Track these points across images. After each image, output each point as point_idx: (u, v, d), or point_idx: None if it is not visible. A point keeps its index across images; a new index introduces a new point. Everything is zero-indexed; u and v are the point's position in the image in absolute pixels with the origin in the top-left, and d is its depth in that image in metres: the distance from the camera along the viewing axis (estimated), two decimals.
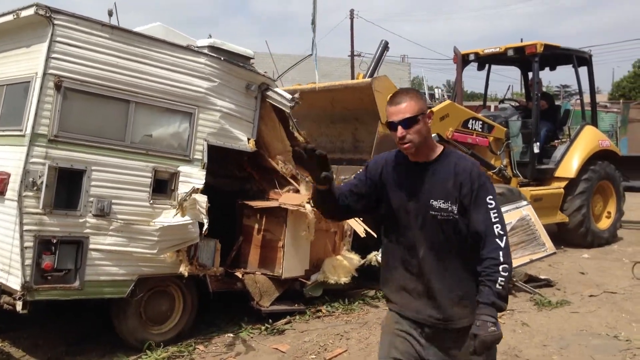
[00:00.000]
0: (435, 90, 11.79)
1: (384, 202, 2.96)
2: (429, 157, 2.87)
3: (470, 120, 9.00)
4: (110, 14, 6.18)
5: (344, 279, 6.59)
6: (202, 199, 5.41)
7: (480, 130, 9.09)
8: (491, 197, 2.77)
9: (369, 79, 7.44)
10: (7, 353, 5.48)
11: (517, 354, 5.36)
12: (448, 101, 9.57)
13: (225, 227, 6.36)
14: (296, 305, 6.46)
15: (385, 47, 8.93)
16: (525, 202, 7.95)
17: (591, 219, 10.07)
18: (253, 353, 5.44)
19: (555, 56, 10.39)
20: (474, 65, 11.12)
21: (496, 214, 2.74)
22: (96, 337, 5.79)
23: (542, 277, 7.82)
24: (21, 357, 5.41)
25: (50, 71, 4.89)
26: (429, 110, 2.86)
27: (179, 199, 5.41)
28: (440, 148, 2.90)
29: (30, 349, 5.56)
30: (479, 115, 9.35)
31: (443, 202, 2.78)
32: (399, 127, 2.77)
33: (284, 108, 6.41)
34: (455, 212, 2.77)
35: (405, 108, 2.77)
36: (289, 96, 6.36)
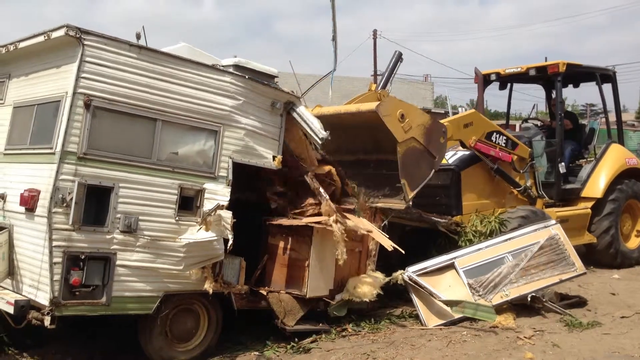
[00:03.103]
0: (459, 109, 11.78)
1: None
2: None
3: (495, 134, 8.92)
4: (138, 37, 6.28)
5: (368, 298, 6.52)
6: (227, 215, 5.44)
7: (504, 145, 9.00)
8: None
9: (373, 105, 7.24)
10: None
11: None
12: (472, 110, 9.49)
13: (251, 245, 6.37)
14: (321, 324, 6.39)
15: (399, 57, 8.85)
16: (553, 222, 7.83)
17: (620, 239, 9.88)
18: None
19: (578, 74, 10.32)
20: (497, 84, 11.07)
21: None
22: (123, 355, 5.79)
23: (573, 294, 7.67)
24: None
25: (80, 90, 4.98)
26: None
27: (203, 213, 5.42)
28: None
29: None
30: (504, 131, 9.28)
31: None
32: None
33: (312, 140, 6.42)
34: None
35: None
36: (320, 130, 6.29)
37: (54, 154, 4.92)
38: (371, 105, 7.28)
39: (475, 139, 8.60)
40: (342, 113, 7.71)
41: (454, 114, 13.58)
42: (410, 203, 7.28)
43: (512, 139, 9.26)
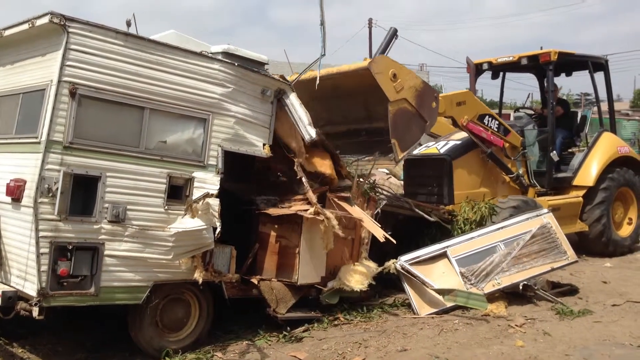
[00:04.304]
0: None
1: None
2: None
3: (487, 117, 8.92)
4: (128, 24, 6.19)
5: (360, 287, 6.50)
6: (215, 203, 5.40)
7: (496, 130, 8.98)
8: None
9: (366, 62, 7.23)
10: (26, 359, 5.46)
11: None
12: (466, 90, 9.45)
13: (242, 235, 6.34)
14: (313, 312, 6.38)
15: (394, 34, 8.68)
16: (545, 210, 7.82)
17: (612, 228, 9.89)
18: None
19: (570, 63, 10.30)
20: (489, 73, 11.03)
21: None
22: (114, 345, 5.75)
23: (565, 283, 7.68)
24: None
25: (65, 79, 4.89)
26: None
27: (189, 200, 5.40)
28: None
29: (49, 356, 5.54)
30: (496, 115, 9.25)
31: None
32: None
33: (301, 135, 6.37)
34: None
35: None
36: (309, 128, 6.27)
37: (39, 143, 4.84)
38: (364, 63, 7.24)
39: (468, 118, 8.58)
40: (334, 74, 7.63)
41: None
42: (401, 163, 7.29)
43: (505, 124, 9.25)
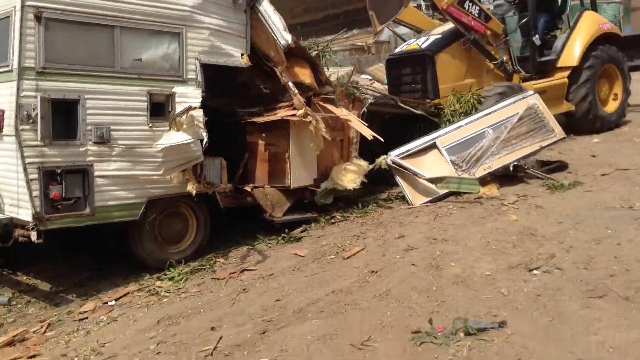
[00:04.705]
0: (422, 1, 11.40)
1: None
2: None
3: (468, 2, 8.68)
4: None
5: (353, 185, 6.59)
6: (199, 114, 5.40)
7: (476, 15, 8.81)
8: None
9: None
10: (32, 285, 5.59)
11: (533, 232, 5.35)
12: None
13: (231, 147, 6.35)
14: (309, 214, 6.49)
15: None
16: (531, 92, 7.81)
17: (598, 105, 9.87)
18: (272, 260, 5.51)
19: None
20: None
21: None
22: (118, 265, 5.86)
23: (554, 160, 7.78)
24: (47, 287, 5.54)
25: (29, 3, 4.77)
26: None
27: (172, 115, 5.39)
28: None
29: (55, 279, 5.69)
30: (477, 1, 9.06)
31: None
32: None
33: (277, 41, 6.22)
34: None
35: None
36: (284, 33, 6.09)
37: (11, 71, 4.78)
38: None
39: (448, 2, 8.38)
40: None
41: (417, 6, 13.18)
42: (379, 36, 7.26)
43: (485, 11, 9.06)
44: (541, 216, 5.83)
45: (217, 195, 5.87)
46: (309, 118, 6.14)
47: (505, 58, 9.35)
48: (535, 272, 4.53)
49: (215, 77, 6.11)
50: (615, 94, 10.34)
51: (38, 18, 4.80)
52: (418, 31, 10.13)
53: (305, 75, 6.73)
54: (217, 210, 5.98)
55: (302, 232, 6.16)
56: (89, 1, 5.06)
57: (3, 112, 4.83)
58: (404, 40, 11.16)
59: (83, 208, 4.98)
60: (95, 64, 5.13)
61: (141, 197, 5.32)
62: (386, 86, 9.95)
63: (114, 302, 4.93)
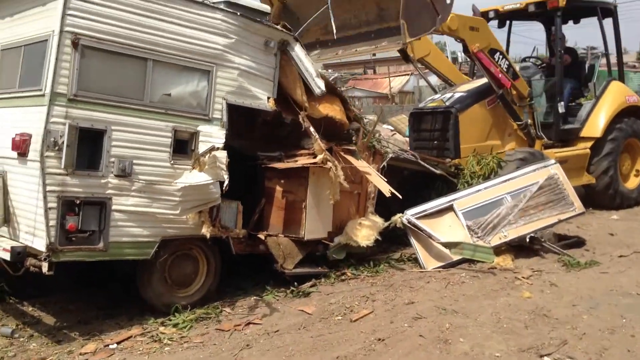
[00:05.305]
0: (459, 54, 11.47)
1: None
2: None
3: (498, 53, 8.73)
4: None
5: (366, 242, 6.50)
6: (222, 155, 5.34)
7: (505, 69, 8.81)
8: None
9: None
10: (37, 317, 5.51)
11: (546, 313, 5.24)
12: (481, 18, 9.25)
13: (248, 191, 6.30)
14: (320, 268, 6.39)
15: None
16: (552, 161, 7.76)
17: (619, 180, 9.82)
18: (279, 315, 5.40)
19: (578, 9, 10.05)
20: (495, 23, 10.77)
21: None
22: (124, 304, 5.78)
23: (572, 235, 7.69)
24: (51, 322, 5.44)
25: (67, 29, 4.78)
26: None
27: (196, 154, 5.35)
28: None
29: (61, 314, 5.59)
30: (507, 56, 9.07)
31: None
32: None
33: (311, 89, 6.26)
34: None
35: None
36: (318, 83, 6.17)
37: (43, 95, 4.77)
38: None
39: (479, 46, 8.39)
40: None
41: (453, 59, 13.29)
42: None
43: (514, 68, 9.08)
44: (555, 295, 5.72)
45: (231, 241, 5.78)
46: (329, 164, 6.10)
47: (528, 122, 9.33)
48: (546, 358, 4.41)
49: (237, 115, 6.07)
50: (637, 170, 10.31)
51: (75, 45, 4.81)
52: (444, 80, 10.18)
53: (336, 110, 6.71)
54: (228, 256, 5.89)
55: (311, 286, 6.05)
56: (126, 32, 5.08)
57: (30, 136, 4.81)
58: (433, 89, 11.21)
59: (97, 242, 4.91)
60: (125, 95, 5.12)
61: (155, 235, 5.25)
62: (407, 139, 9.95)
63: (115, 345, 4.80)
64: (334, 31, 7.06)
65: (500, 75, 8.68)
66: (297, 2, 7.97)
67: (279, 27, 6.18)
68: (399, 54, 8.85)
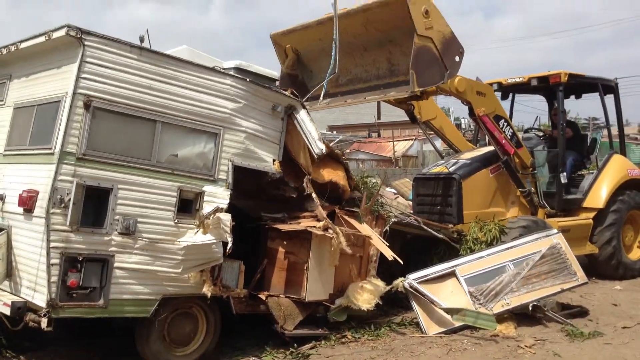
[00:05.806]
0: (462, 120, 11.68)
1: None
2: None
3: (503, 121, 8.88)
4: (141, 40, 6.26)
5: (367, 306, 6.44)
6: (226, 218, 5.40)
7: (509, 137, 8.95)
8: None
9: None
10: None
11: None
12: (487, 85, 9.42)
13: (250, 250, 6.33)
14: (320, 330, 6.34)
15: None
16: (555, 231, 7.78)
17: (622, 250, 9.80)
18: None
19: (580, 85, 10.30)
20: (499, 95, 11.01)
21: None
22: (123, 357, 5.70)
23: (575, 304, 7.61)
24: None
25: (80, 91, 4.96)
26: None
27: (201, 216, 5.39)
28: None
29: None
30: (512, 124, 9.22)
31: None
32: None
33: (311, 149, 6.40)
34: None
35: None
36: (318, 143, 6.31)
37: (53, 154, 4.90)
38: None
39: (485, 111, 8.54)
40: (370, 4, 7.47)
41: (456, 124, 13.52)
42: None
43: (518, 137, 9.21)
44: None
45: (231, 300, 5.76)
46: (330, 232, 6.14)
47: (532, 189, 9.40)
48: None
49: (242, 175, 6.17)
50: None
51: (87, 106, 4.98)
52: (449, 145, 10.33)
53: (339, 176, 6.82)
54: (228, 315, 5.86)
55: (311, 348, 5.98)
56: (137, 95, 5.26)
57: (37, 193, 4.91)
58: (439, 153, 11.36)
59: (97, 299, 4.93)
60: (133, 155, 5.24)
61: (156, 293, 5.26)
62: (410, 202, 10.01)
63: None
64: (337, 66, 7.16)
65: (504, 141, 8.84)
66: (310, 55, 8.25)
67: (286, 92, 6.37)
68: (403, 119, 9.06)
